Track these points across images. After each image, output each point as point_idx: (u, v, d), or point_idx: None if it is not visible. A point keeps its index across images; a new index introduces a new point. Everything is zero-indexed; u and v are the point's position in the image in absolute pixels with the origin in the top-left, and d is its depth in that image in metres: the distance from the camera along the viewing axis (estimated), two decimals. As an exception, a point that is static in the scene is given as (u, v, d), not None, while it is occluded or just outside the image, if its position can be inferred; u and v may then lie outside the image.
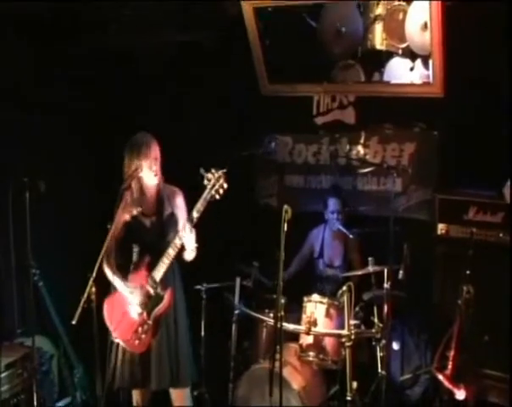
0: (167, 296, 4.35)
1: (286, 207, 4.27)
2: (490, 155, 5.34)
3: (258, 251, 5.70)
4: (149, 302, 4.33)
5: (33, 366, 4.75)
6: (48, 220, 5.41)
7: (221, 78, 6.31)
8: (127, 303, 4.37)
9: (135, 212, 4.46)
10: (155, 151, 4.42)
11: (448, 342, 4.44)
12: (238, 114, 6.42)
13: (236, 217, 5.97)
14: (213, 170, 4.17)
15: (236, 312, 5.42)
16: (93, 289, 4.10)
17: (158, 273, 4.32)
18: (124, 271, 4.43)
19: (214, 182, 4.15)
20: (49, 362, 5.17)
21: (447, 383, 4.33)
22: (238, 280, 5.46)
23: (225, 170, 4.19)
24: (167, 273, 4.36)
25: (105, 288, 4.41)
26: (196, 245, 4.34)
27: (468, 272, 4.51)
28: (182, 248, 4.34)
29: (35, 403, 4.65)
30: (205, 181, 4.18)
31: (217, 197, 4.17)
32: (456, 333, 4.38)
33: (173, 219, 4.51)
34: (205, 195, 4.18)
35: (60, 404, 5.22)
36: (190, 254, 4.39)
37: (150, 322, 4.34)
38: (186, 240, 4.26)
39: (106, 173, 4.69)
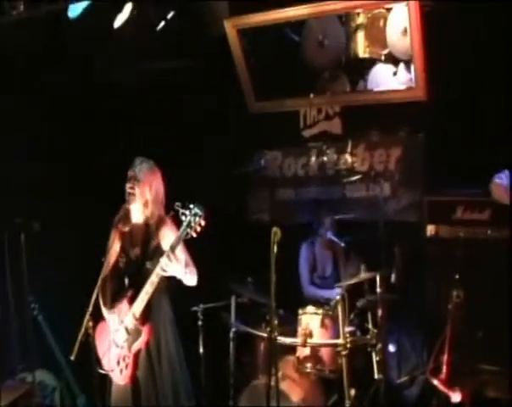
0: (145, 331, 4.22)
1: (274, 229, 4.16)
2: (475, 154, 5.37)
3: (253, 267, 5.70)
4: (129, 336, 4.24)
5: (35, 402, 4.79)
6: (45, 254, 5.37)
7: (208, 99, 6.39)
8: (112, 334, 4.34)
9: (122, 243, 4.39)
10: (137, 172, 4.28)
11: (441, 346, 4.46)
12: (227, 134, 6.45)
13: (228, 234, 6.00)
14: (191, 206, 3.91)
15: (233, 330, 5.44)
16: (90, 323, 4.09)
17: (138, 308, 4.19)
18: (112, 303, 4.38)
19: (190, 219, 3.89)
20: (52, 395, 5.22)
21: (442, 388, 4.34)
22: (234, 298, 5.49)
23: (201, 207, 3.90)
24: (151, 305, 4.25)
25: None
26: (193, 269, 4.20)
27: (457, 277, 4.53)
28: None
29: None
30: (181, 217, 3.92)
31: (193, 235, 3.91)
32: (448, 337, 4.39)
33: (158, 251, 4.24)
34: (180, 233, 3.95)
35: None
36: (187, 281, 4.21)
37: (130, 356, 4.23)
38: (171, 273, 4.10)
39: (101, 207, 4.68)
